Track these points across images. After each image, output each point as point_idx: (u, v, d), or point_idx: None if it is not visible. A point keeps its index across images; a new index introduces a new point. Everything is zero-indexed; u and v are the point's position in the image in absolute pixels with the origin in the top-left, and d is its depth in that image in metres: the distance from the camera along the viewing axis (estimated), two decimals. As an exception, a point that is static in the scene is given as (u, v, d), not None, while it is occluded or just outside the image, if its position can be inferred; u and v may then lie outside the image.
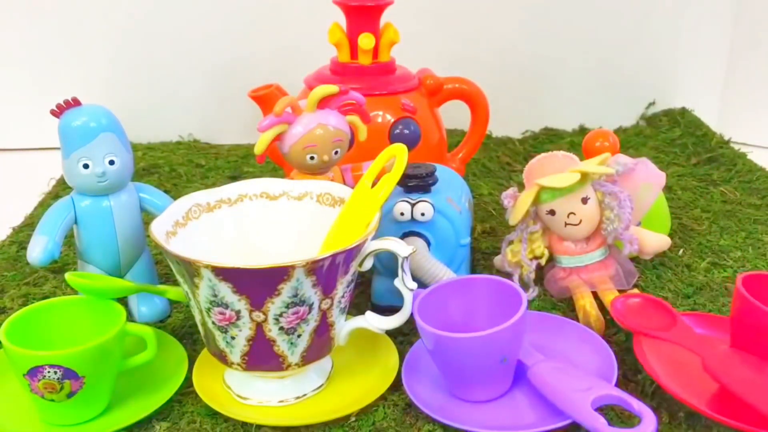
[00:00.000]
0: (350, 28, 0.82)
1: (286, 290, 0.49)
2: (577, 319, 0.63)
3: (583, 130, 1.13)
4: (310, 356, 0.54)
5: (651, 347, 0.56)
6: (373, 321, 0.56)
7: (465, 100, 0.87)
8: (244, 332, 0.51)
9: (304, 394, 0.56)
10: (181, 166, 1.03)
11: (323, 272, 0.50)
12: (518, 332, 0.53)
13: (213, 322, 0.52)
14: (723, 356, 0.53)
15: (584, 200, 0.65)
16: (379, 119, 0.79)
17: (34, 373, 0.50)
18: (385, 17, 0.83)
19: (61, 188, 0.95)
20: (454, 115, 0.95)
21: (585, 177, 0.65)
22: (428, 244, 0.64)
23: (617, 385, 0.54)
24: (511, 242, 0.69)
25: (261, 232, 0.60)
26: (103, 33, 1.11)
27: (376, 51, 0.82)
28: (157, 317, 0.66)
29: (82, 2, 1.09)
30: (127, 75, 1.13)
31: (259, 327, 0.51)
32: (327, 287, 0.51)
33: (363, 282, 0.70)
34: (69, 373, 0.50)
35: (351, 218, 0.56)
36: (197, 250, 0.53)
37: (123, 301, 0.65)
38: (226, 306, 0.50)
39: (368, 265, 0.54)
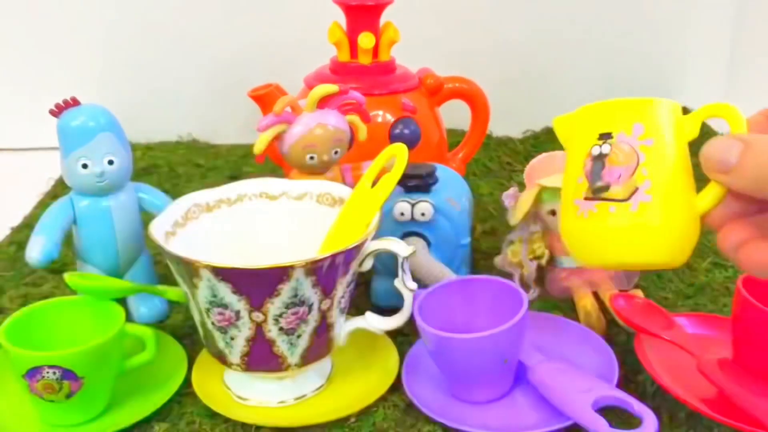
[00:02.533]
0: (350, 27, 0.82)
1: (285, 290, 0.49)
2: (577, 319, 0.63)
3: (583, 130, 1.13)
4: (309, 357, 0.53)
5: (652, 347, 0.56)
6: (373, 321, 0.56)
7: (465, 100, 0.86)
8: (243, 333, 0.51)
9: (304, 395, 0.56)
10: (180, 166, 1.03)
11: (323, 272, 0.49)
12: (519, 333, 0.53)
13: (212, 323, 0.51)
14: (717, 362, 0.53)
15: (585, 200, 0.64)
16: (379, 119, 0.79)
17: (33, 373, 0.50)
18: (385, 17, 0.82)
19: (60, 188, 0.95)
20: (454, 115, 0.95)
21: (586, 177, 0.64)
22: (428, 244, 0.64)
23: (618, 385, 0.53)
24: (511, 242, 0.69)
25: (261, 232, 0.60)
26: (103, 33, 1.11)
27: (376, 50, 0.82)
28: (156, 318, 0.66)
29: (81, 2, 1.09)
30: (126, 75, 1.13)
31: (258, 327, 0.50)
32: (327, 287, 0.51)
33: (363, 282, 0.69)
34: (68, 374, 0.50)
35: (351, 218, 0.56)
36: (196, 251, 0.53)
37: (122, 301, 0.65)
38: (226, 306, 0.50)
39: (368, 265, 0.53)
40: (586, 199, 0.41)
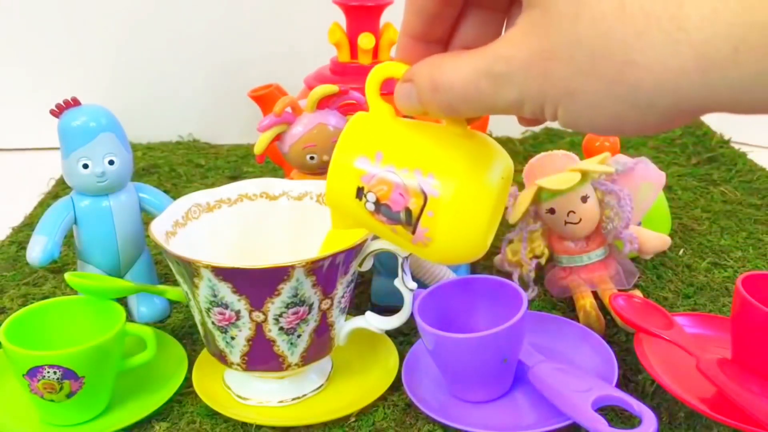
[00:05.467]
0: (350, 28, 0.82)
1: (285, 290, 0.49)
2: (577, 319, 0.63)
3: (583, 130, 1.13)
4: (309, 356, 0.54)
5: (651, 347, 0.56)
6: (373, 321, 0.56)
7: (465, 100, 0.86)
8: (243, 332, 0.51)
9: (304, 395, 0.56)
10: (180, 166, 1.03)
11: (323, 272, 0.50)
12: (519, 332, 0.53)
13: (213, 323, 0.51)
14: (716, 362, 0.53)
15: (584, 199, 0.65)
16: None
17: (33, 373, 0.50)
18: (385, 17, 0.82)
19: (60, 188, 0.95)
20: (454, 115, 0.95)
21: (585, 176, 0.65)
22: (428, 244, 0.64)
23: (617, 385, 0.54)
24: (511, 241, 0.69)
25: (261, 232, 0.60)
26: (103, 33, 1.11)
27: (376, 51, 0.82)
28: (156, 317, 0.66)
29: (82, 2, 1.09)
30: (127, 75, 1.13)
31: (258, 327, 0.51)
32: (327, 287, 0.51)
33: (363, 282, 0.70)
34: (68, 374, 0.50)
35: (351, 218, 0.56)
36: (197, 250, 0.53)
37: (123, 301, 0.65)
38: (226, 306, 0.50)
39: (368, 265, 0.54)
40: None
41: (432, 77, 0.33)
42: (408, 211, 0.37)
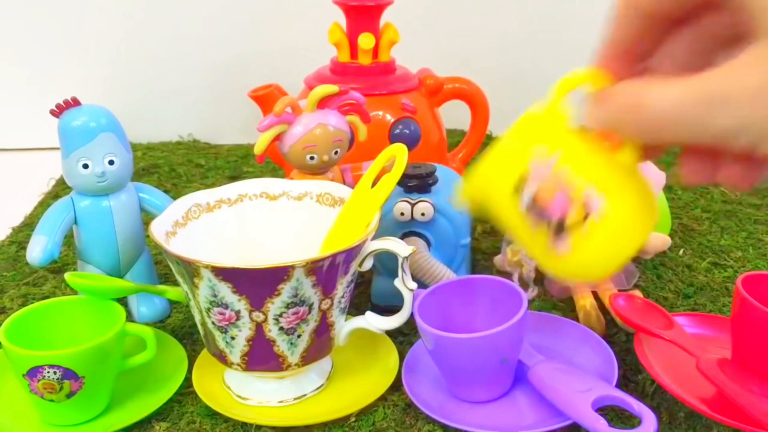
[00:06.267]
0: (350, 27, 0.82)
1: (285, 290, 0.49)
2: (577, 319, 0.63)
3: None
4: (310, 356, 0.54)
5: (652, 347, 0.56)
6: (373, 321, 0.56)
7: (465, 100, 0.86)
8: (243, 332, 0.51)
9: (304, 395, 0.56)
10: (180, 166, 1.03)
11: (323, 272, 0.50)
12: (519, 332, 0.53)
13: (213, 323, 0.51)
14: (716, 362, 0.53)
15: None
16: (379, 119, 0.79)
17: (33, 373, 0.50)
18: (385, 17, 0.82)
19: (60, 188, 0.95)
20: (454, 115, 0.95)
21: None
22: (428, 244, 0.64)
23: (617, 385, 0.54)
24: (511, 242, 0.69)
25: (261, 232, 0.60)
26: (103, 33, 1.11)
27: (376, 51, 0.82)
28: (156, 317, 0.66)
29: (82, 2, 1.09)
30: (127, 75, 1.13)
31: (258, 327, 0.51)
32: (327, 287, 0.51)
33: (363, 282, 0.70)
34: (68, 374, 0.50)
35: (351, 218, 0.56)
36: (197, 250, 0.53)
37: (123, 301, 0.65)
38: (226, 306, 0.50)
39: (368, 265, 0.54)
40: None
41: (638, 96, 0.32)
42: (562, 220, 0.35)
